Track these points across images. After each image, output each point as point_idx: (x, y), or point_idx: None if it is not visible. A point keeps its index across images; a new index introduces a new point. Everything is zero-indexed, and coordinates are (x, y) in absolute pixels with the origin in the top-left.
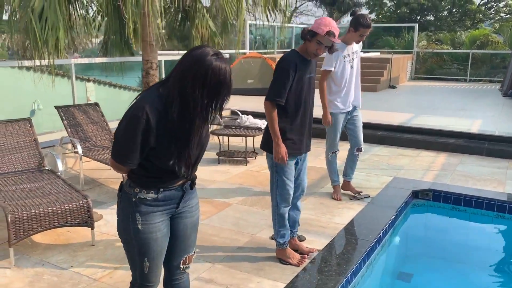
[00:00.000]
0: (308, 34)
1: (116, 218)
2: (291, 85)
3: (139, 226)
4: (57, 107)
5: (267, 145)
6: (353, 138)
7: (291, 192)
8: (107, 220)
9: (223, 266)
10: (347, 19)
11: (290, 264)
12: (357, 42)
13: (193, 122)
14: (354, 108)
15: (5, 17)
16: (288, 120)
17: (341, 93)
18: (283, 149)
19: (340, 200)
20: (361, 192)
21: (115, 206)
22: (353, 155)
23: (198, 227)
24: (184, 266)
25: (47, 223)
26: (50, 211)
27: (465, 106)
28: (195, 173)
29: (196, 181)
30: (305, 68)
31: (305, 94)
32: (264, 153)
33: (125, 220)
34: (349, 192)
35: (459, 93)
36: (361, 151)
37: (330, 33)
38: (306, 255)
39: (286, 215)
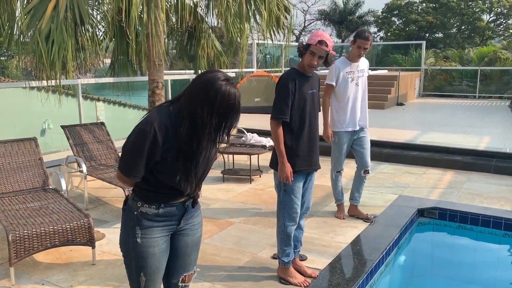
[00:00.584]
0: (302, 48)
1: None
2: (293, 101)
3: (138, 240)
4: (63, 127)
5: (276, 164)
6: (359, 160)
7: (299, 211)
8: (109, 239)
9: (222, 286)
10: None
11: (291, 283)
12: (358, 57)
13: (200, 142)
14: (361, 128)
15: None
16: (294, 137)
17: (346, 111)
18: (288, 169)
19: (343, 219)
20: (368, 214)
21: (118, 225)
22: (360, 177)
23: (199, 246)
24: (183, 284)
25: (48, 242)
26: (51, 230)
27: (474, 123)
28: (199, 192)
29: (200, 200)
30: (305, 84)
31: (309, 109)
32: (270, 171)
33: (125, 233)
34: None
35: (468, 110)
36: (368, 173)
37: (321, 42)
38: (309, 278)
39: (292, 234)
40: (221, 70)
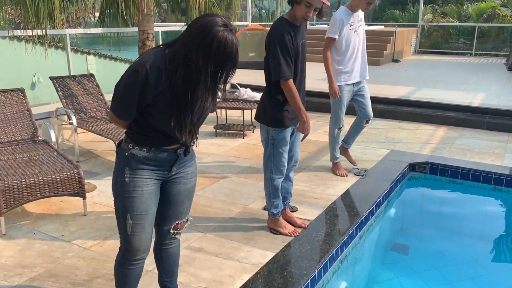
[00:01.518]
0: None
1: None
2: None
3: (126, 179)
4: (52, 78)
5: (262, 117)
6: (363, 110)
7: (286, 164)
8: (101, 190)
9: (214, 236)
10: None
11: (281, 233)
12: (364, 10)
13: (196, 91)
14: (362, 80)
15: None
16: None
17: (348, 64)
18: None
19: (346, 176)
20: (358, 168)
21: (109, 177)
22: (361, 126)
23: (193, 195)
24: (175, 231)
25: (38, 192)
26: (41, 180)
27: (469, 80)
28: (196, 140)
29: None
30: (297, 34)
31: (300, 61)
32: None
33: (116, 174)
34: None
35: (464, 67)
36: (368, 122)
37: None
38: (299, 229)
39: (280, 186)
40: (219, 15)
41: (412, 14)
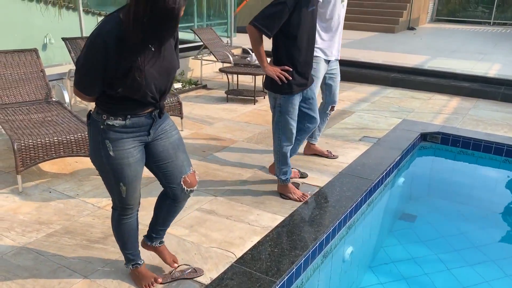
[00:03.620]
0: None
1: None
2: (292, 17)
3: (111, 153)
4: (64, 39)
5: (269, 84)
6: (329, 96)
7: (294, 131)
8: None
9: (224, 199)
10: None
11: (290, 198)
12: None
13: (144, 48)
14: (335, 59)
15: None
16: (294, 55)
17: (329, 36)
18: (269, 68)
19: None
20: (328, 150)
21: None
22: (325, 113)
23: (184, 147)
24: (189, 189)
25: (53, 152)
26: (56, 140)
27: (485, 50)
28: (163, 102)
29: (203, 118)
30: (306, 1)
31: (306, 27)
32: None
33: (95, 147)
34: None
35: (481, 36)
36: (333, 109)
37: None
38: (307, 194)
39: (289, 154)
40: None
41: None
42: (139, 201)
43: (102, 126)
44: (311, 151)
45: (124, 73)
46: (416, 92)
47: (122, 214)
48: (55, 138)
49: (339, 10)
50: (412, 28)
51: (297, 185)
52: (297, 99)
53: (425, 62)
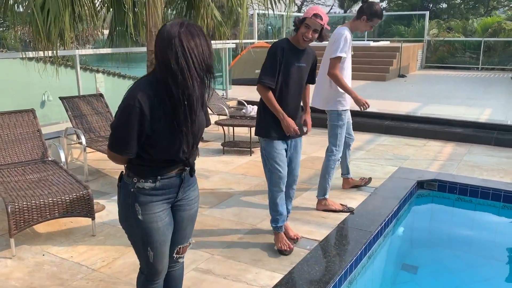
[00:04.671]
0: (298, 21)
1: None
2: (280, 69)
3: (140, 217)
4: (61, 98)
5: (258, 129)
6: (348, 137)
7: (282, 176)
8: (109, 210)
9: (221, 257)
10: (357, 7)
11: (277, 248)
12: (362, 31)
13: (190, 95)
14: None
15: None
16: (281, 105)
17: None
18: (290, 122)
19: (345, 207)
20: (364, 179)
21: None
22: (348, 152)
23: (195, 219)
24: (178, 256)
25: (48, 213)
26: (50, 201)
27: (476, 95)
28: (194, 161)
29: (200, 172)
30: (294, 56)
31: (293, 81)
32: None
33: (125, 210)
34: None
35: (470, 81)
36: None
37: (316, 15)
38: (292, 247)
39: (278, 200)
40: (181, 18)
41: (418, 29)
42: (167, 266)
43: (132, 189)
44: (350, 185)
45: (156, 132)
46: (411, 139)
47: (149, 279)
48: (50, 199)
49: (349, 62)
50: (402, 76)
51: (295, 241)
52: (280, 144)
53: (418, 108)
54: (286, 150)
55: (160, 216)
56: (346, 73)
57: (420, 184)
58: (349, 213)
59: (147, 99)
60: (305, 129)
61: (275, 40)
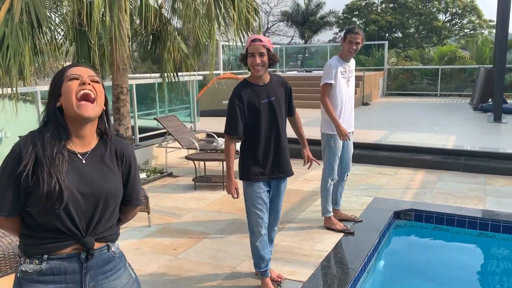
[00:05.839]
0: (242, 57)
1: None
2: (244, 114)
3: None
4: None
5: (240, 173)
6: (344, 165)
7: (261, 221)
8: None
9: None
10: (317, 38)
11: None
12: (350, 53)
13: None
14: (351, 132)
15: None
16: (251, 147)
17: (341, 113)
18: (232, 184)
19: (347, 227)
20: (353, 215)
21: None
22: (343, 181)
23: None
24: None
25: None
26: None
27: (438, 121)
28: (107, 240)
29: (172, 210)
30: (256, 94)
31: (265, 119)
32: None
33: None
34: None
35: (431, 108)
36: (348, 176)
37: (254, 40)
38: (278, 283)
39: (259, 244)
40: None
41: (378, 58)
42: None
43: (18, 275)
44: (337, 217)
45: (38, 185)
46: (381, 167)
47: None
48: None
49: (346, 90)
50: (366, 104)
51: (279, 284)
52: (259, 186)
53: (385, 136)
54: (268, 192)
55: None
56: (341, 99)
57: (397, 215)
58: (338, 240)
59: (29, 143)
60: (307, 164)
61: (240, 71)
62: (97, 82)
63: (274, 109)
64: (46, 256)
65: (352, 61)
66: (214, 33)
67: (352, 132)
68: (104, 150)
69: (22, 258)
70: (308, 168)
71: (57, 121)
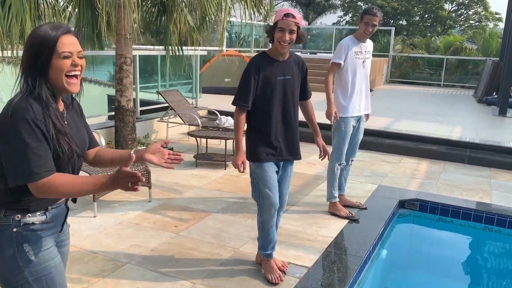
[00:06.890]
0: (270, 29)
1: (74, 232)
2: (257, 88)
3: (32, 257)
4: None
5: (247, 154)
6: (351, 149)
7: (273, 201)
8: (74, 229)
9: (204, 286)
10: (321, 20)
11: (266, 279)
12: (366, 34)
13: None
14: (363, 116)
15: None
16: (263, 124)
17: (353, 95)
18: (240, 158)
19: (352, 214)
20: (357, 202)
21: (84, 214)
22: (348, 166)
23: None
24: None
25: None
26: None
27: (443, 111)
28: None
29: (172, 186)
30: (273, 70)
31: (279, 97)
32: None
33: (8, 260)
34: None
35: (435, 98)
36: (353, 162)
37: (288, 15)
38: (283, 278)
39: (269, 226)
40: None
41: (383, 44)
42: None
43: (15, 229)
44: (342, 203)
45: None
46: (385, 155)
47: None
48: None
49: (360, 71)
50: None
51: (284, 272)
52: (270, 167)
53: (390, 124)
54: (276, 172)
55: (54, 252)
56: (353, 81)
57: (402, 204)
58: (343, 226)
59: (39, 110)
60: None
61: (243, 49)
62: (83, 57)
63: (288, 88)
64: (49, 207)
65: (370, 42)
66: (227, 4)
67: (367, 115)
68: (71, 108)
69: (18, 215)
70: (322, 160)
71: (50, 91)
